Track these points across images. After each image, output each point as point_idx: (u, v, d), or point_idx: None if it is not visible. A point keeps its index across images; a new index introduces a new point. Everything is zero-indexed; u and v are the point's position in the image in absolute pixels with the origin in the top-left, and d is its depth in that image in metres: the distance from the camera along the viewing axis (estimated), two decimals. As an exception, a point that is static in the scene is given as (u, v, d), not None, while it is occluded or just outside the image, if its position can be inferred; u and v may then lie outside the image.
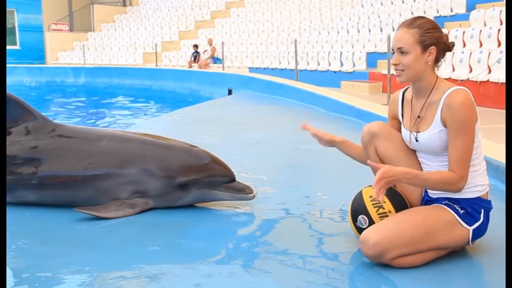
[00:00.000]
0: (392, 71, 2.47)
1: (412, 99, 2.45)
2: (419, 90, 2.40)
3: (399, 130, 2.53)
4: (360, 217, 2.41)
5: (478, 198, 2.35)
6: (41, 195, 3.19)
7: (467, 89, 2.31)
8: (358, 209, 2.43)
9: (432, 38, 2.31)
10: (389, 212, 2.36)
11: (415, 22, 2.33)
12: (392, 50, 2.38)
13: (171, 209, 3.17)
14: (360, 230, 2.41)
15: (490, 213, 2.39)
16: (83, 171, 3.15)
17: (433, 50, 2.31)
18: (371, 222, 2.37)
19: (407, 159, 2.47)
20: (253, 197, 3.15)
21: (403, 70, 2.32)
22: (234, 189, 3.12)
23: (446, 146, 2.32)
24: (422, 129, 2.38)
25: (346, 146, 2.68)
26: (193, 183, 3.08)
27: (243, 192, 3.11)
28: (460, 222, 2.31)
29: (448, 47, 2.36)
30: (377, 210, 2.37)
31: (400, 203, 2.40)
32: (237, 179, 3.21)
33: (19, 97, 3.40)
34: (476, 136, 2.30)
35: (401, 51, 2.31)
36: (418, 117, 2.39)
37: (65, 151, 3.23)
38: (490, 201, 2.39)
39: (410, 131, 2.42)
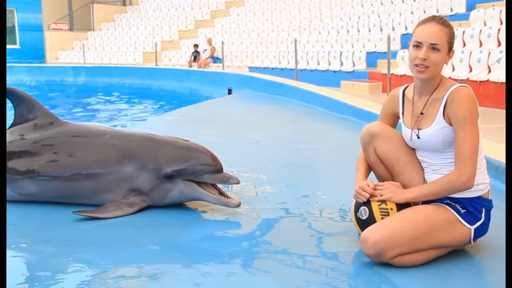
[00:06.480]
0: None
1: (413, 97, 2.46)
2: (425, 88, 2.40)
3: (393, 127, 2.56)
4: (361, 208, 2.43)
5: (479, 198, 2.35)
6: (31, 188, 3.22)
7: (469, 87, 2.34)
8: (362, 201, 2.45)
9: (453, 42, 2.33)
10: (391, 209, 2.36)
11: (446, 22, 2.33)
12: (418, 42, 2.29)
13: (171, 208, 3.18)
14: (359, 221, 2.43)
15: (491, 212, 2.40)
16: (71, 166, 3.19)
17: (452, 53, 2.34)
18: (371, 214, 2.38)
19: (406, 159, 2.49)
20: (238, 205, 3.05)
21: (428, 67, 2.29)
22: (220, 180, 3.08)
23: (448, 142, 2.33)
24: (424, 126, 2.38)
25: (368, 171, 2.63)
26: (179, 173, 3.08)
27: (228, 182, 3.09)
28: (461, 222, 2.31)
29: None
30: (379, 205, 2.38)
31: None
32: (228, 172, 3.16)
33: (25, 92, 3.44)
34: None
35: (434, 48, 2.27)
36: (421, 114, 2.40)
37: (59, 147, 3.27)
38: (490, 201, 2.40)
39: (412, 129, 2.43)
